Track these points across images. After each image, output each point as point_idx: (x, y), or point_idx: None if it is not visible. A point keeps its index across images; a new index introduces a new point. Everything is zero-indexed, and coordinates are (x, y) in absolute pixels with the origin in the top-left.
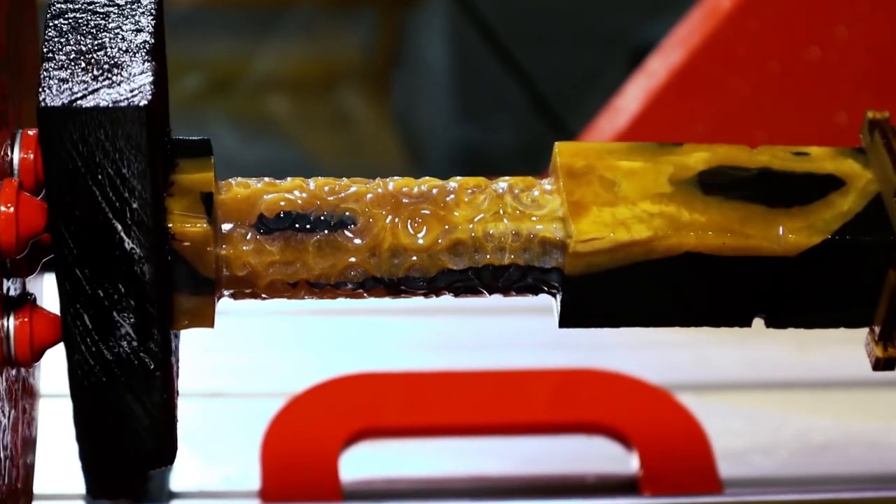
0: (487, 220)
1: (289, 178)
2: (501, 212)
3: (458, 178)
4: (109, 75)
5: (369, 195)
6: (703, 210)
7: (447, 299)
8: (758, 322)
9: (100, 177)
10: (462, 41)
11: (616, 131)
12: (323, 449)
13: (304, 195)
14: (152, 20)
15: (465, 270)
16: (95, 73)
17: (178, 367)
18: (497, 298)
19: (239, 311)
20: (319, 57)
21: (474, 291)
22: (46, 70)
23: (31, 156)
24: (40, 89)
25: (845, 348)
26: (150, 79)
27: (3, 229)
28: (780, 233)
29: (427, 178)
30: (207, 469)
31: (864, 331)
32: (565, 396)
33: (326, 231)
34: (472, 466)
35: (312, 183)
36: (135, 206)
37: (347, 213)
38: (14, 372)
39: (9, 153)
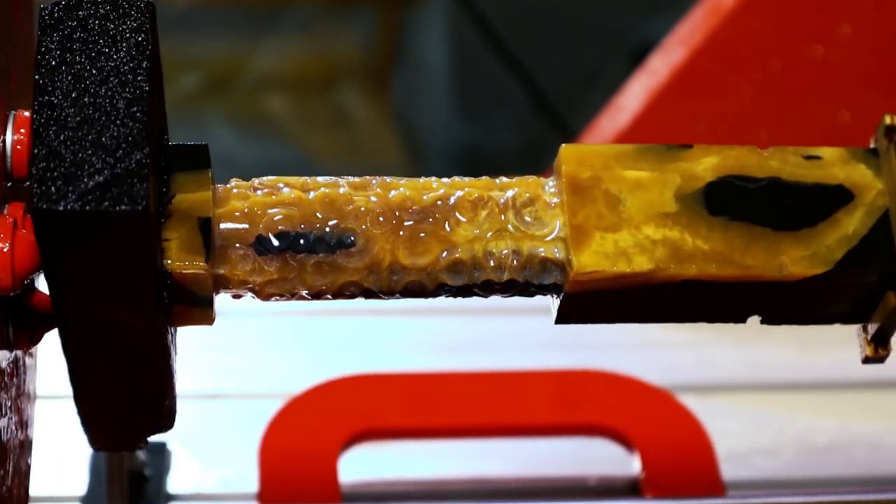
0: (488, 240)
1: (287, 189)
2: (503, 230)
3: (462, 182)
4: (105, 162)
5: (369, 214)
6: (707, 235)
7: (447, 299)
8: (758, 322)
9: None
10: (462, 39)
11: (617, 130)
12: (322, 451)
13: (303, 212)
14: (146, 68)
15: (464, 286)
16: (91, 162)
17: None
18: (497, 299)
19: (237, 312)
20: (318, 55)
21: (470, 296)
22: (38, 157)
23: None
24: (35, 183)
25: (848, 349)
26: (145, 172)
27: None
28: (782, 263)
29: (430, 183)
30: (205, 471)
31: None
32: (566, 398)
33: (325, 252)
34: (473, 468)
35: (312, 192)
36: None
37: (347, 234)
38: (9, 367)
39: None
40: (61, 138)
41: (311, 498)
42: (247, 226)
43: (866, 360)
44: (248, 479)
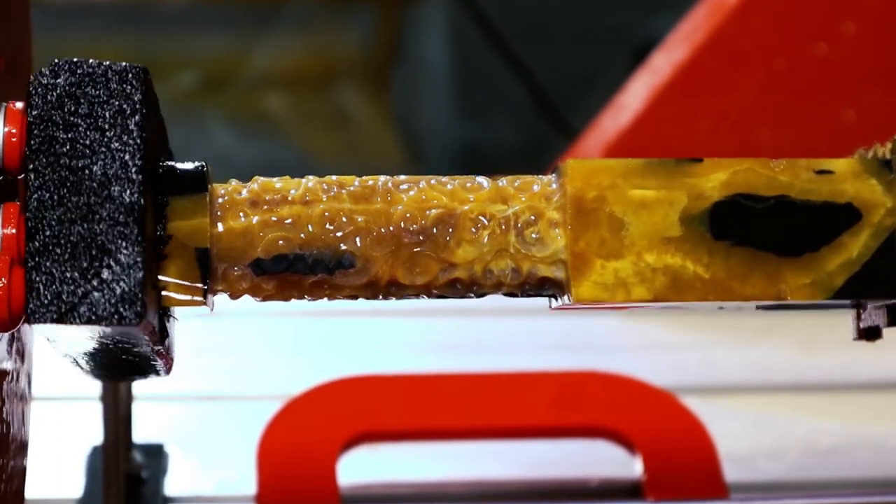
0: (488, 260)
1: (286, 206)
2: (504, 250)
3: (466, 193)
4: (98, 268)
5: (369, 235)
6: (709, 262)
7: (447, 300)
8: (761, 324)
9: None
10: (462, 38)
11: (619, 129)
12: (321, 453)
13: (302, 233)
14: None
15: (462, 296)
16: (83, 265)
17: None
18: (498, 299)
19: (235, 312)
20: (317, 53)
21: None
22: (32, 257)
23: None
24: (31, 288)
25: (853, 350)
26: (140, 276)
27: None
28: (781, 291)
29: (432, 194)
30: (203, 473)
31: None
32: (568, 399)
33: (324, 272)
34: (473, 471)
35: (312, 206)
36: None
37: (346, 255)
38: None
39: None
40: (54, 258)
41: (310, 500)
42: (245, 248)
43: (859, 336)
44: (247, 482)
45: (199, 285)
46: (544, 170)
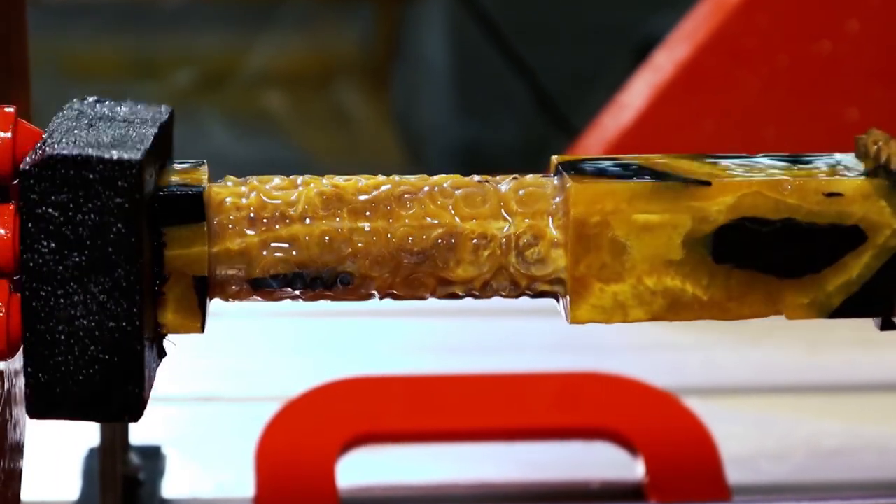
0: (487, 278)
1: (285, 226)
2: (503, 269)
3: (469, 216)
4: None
5: (369, 257)
6: (709, 284)
7: (447, 300)
8: (764, 324)
9: None
10: (463, 36)
11: (621, 128)
12: (319, 455)
13: (300, 254)
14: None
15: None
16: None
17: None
18: (499, 300)
19: (233, 313)
20: (316, 51)
21: None
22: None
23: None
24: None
25: (856, 351)
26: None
27: None
28: (778, 310)
29: (434, 212)
30: (200, 475)
31: (876, 334)
32: (568, 400)
33: (321, 289)
34: (473, 473)
35: (310, 222)
36: None
37: (345, 274)
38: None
39: None
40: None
41: (309, 502)
42: (244, 268)
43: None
44: (245, 484)
45: (198, 317)
46: (545, 169)
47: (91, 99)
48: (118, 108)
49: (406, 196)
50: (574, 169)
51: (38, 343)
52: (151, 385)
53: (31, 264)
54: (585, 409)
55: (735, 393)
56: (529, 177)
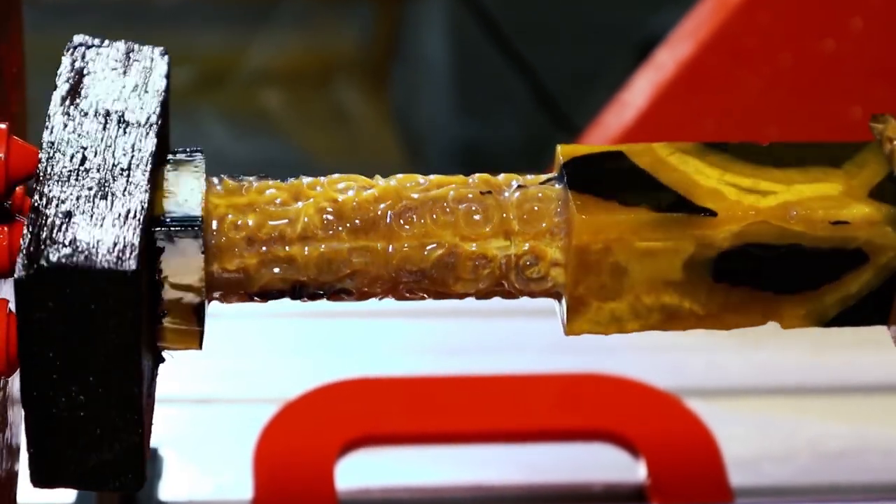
0: (485, 291)
1: (283, 247)
2: (502, 285)
3: (470, 238)
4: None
5: (367, 276)
6: (706, 300)
7: (447, 301)
8: (768, 325)
9: None
10: (463, 34)
11: (623, 126)
12: (318, 457)
13: (299, 273)
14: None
15: None
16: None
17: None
18: (499, 300)
19: (231, 314)
20: (315, 50)
21: None
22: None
23: None
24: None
25: (861, 352)
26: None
27: None
28: (772, 321)
29: (434, 232)
30: (198, 477)
31: (880, 335)
32: (570, 402)
33: (320, 299)
34: (474, 475)
35: (311, 248)
36: None
37: (344, 287)
38: None
39: None
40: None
41: None
42: (242, 285)
43: None
44: (243, 486)
45: (195, 336)
46: (546, 168)
47: (78, 65)
48: (110, 100)
49: (407, 213)
50: (579, 180)
51: (38, 426)
52: (149, 445)
53: (29, 363)
54: (587, 411)
55: (738, 394)
56: (533, 185)
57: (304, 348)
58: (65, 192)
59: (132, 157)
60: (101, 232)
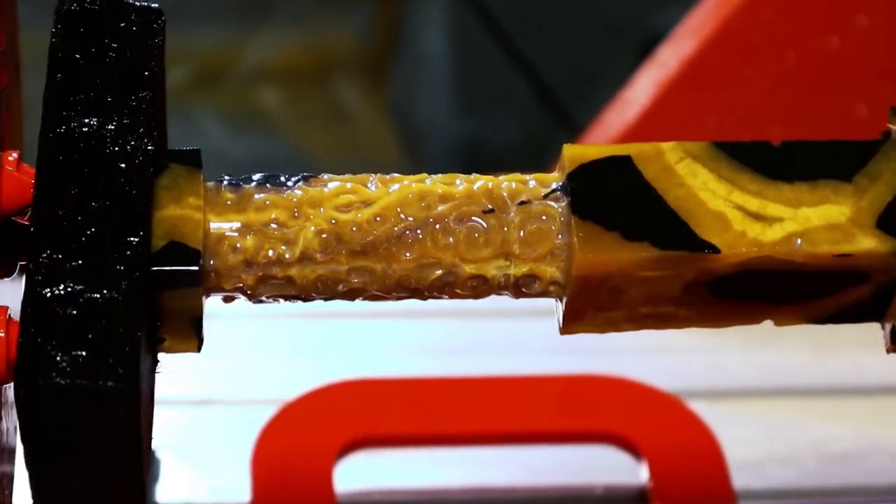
0: (482, 297)
1: (281, 270)
2: (498, 293)
3: (469, 259)
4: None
5: (367, 293)
6: (701, 310)
7: (447, 301)
8: (771, 326)
9: None
10: (463, 30)
11: (625, 125)
12: (317, 459)
13: (297, 289)
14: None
15: None
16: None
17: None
18: (499, 300)
19: (229, 315)
20: (313, 47)
21: None
22: None
23: None
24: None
25: (866, 354)
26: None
27: None
28: (766, 321)
29: (434, 254)
30: (196, 480)
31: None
32: (571, 403)
33: (321, 302)
34: (474, 477)
35: (309, 270)
36: None
37: (343, 296)
38: None
39: None
40: None
41: None
42: (241, 292)
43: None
44: (240, 488)
45: (194, 342)
46: (547, 166)
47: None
48: (101, 119)
49: (407, 234)
50: (583, 201)
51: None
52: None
53: (32, 460)
54: (588, 413)
55: (741, 396)
56: (536, 200)
57: (304, 349)
58: (58, 248)
59: (126, 166)
60: (97, 334)
